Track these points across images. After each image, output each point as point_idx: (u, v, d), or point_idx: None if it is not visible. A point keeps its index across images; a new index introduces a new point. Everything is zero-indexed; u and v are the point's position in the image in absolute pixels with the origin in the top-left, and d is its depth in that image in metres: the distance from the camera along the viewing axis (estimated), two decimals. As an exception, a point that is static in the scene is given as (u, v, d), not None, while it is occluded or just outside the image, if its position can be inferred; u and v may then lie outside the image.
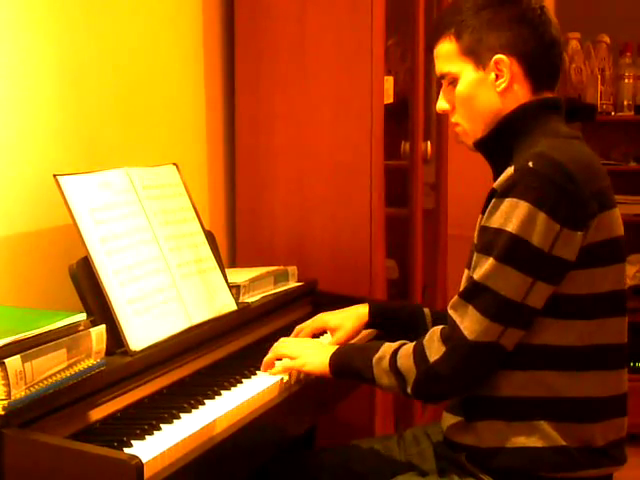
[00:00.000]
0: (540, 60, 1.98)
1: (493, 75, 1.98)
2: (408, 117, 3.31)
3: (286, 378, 2.08)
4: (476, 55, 1.98)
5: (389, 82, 2.97)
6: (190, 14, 2.82)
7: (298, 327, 2.32)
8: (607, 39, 4.85)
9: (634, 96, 4.80)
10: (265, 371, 2.10)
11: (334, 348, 2.07)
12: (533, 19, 1.97)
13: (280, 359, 2.12)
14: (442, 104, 2.07)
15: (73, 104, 2.27)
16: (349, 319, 2.28)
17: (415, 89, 3.29)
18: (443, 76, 2.05)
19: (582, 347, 1.89)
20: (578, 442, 1.91)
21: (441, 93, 2.07)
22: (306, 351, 2.11)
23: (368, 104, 2.84)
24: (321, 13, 2.86)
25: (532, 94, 1.99)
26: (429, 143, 3.39)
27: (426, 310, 2.28)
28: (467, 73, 2.00)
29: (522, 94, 1.99)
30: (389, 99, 2.96)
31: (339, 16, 2.84)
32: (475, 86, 2.00)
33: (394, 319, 2.29)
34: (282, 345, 2.13)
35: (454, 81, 2.02)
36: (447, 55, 2.02)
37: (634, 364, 4.48)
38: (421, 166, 3.35)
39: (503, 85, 1.98)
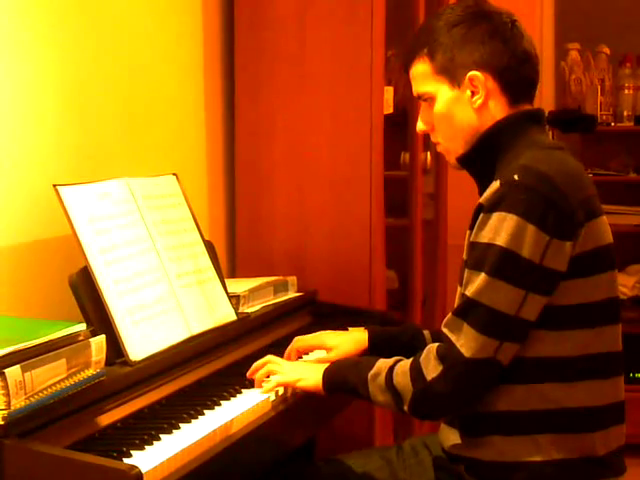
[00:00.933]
0: (514, 74, 1.98)
1: (469, 92, 1.98)
2: (408, 127, 3.30)
3: (281, 391, 2.08)
4: (450, 73, 1.98)
5: (389, 92, 2.97)
6: (190, 24, 2.83)
7: (298, 337, 2.31)
8: (607, 50, 4.85)
9: (634, 107, 4.79)
10: (257, 387, 2.09)
11: (327, 365, 2.06)
12: (504, 34, 1.97)
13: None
14: (420, 125, 2.08)
15: (73, 115, 2.27)
16: (347, 343, 2.25)
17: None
18: (420, 96, 2.05)
19: (578, 357, 1.89)
20: (579, 453, 1.90)
21: (420, 114, 2.07)
22: (299, 367, 2.12)
23: (368, 114, 2.85)
24: (321, 23, 2.86)
25: (509, 108, 1.99)
26: (429, 153, 3.39)
27: (426, 333, 2.25)
28: (443, 92, 2.00)
29: (499, 109, 1.98)
30: (389, 109, 2.96)
31: (339, 26, 2.85)
32: (451, 104, 2.00)
33: (394, 345, 2.24)
34: (274, 363, 2.13)
35: (431, 101, 2.02)
36: (422, 76, 2.02)
37: (633, 375, 4.47)
38: (421, 176, 3.34)
39: (479, 102, 1.98)
